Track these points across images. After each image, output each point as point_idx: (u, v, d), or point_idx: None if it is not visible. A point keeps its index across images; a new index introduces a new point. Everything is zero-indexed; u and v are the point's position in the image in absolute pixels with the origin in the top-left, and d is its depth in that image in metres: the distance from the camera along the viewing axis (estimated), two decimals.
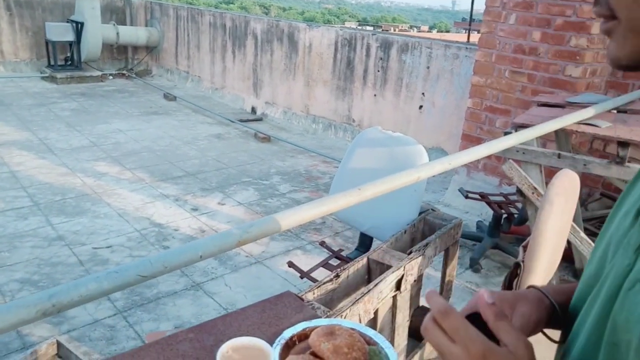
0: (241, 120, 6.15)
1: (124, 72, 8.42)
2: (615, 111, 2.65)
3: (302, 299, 1.20)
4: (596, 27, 3.19)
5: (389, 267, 1.67)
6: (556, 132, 2.74)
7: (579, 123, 2.34)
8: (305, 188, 4.23)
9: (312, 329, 0.83)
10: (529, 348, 0.50)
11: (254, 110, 6.82)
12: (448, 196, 4.07)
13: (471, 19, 5.65)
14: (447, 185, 4.25)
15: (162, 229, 3.33)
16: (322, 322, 0.86)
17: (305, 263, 2.69)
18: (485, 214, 3.61)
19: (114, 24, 8.13)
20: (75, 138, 5.05)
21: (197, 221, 3.48)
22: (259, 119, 6.48)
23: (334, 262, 2.29)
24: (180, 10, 8.06)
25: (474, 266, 3.07)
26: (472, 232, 3.43)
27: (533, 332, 0.62)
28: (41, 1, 7.79)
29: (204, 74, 7.78)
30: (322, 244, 2.55)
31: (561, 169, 2.18)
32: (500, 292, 0.64)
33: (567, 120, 2.26)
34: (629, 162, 2.22)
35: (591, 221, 3.43)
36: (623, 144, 2.17)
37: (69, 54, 7.84)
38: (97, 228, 3.27)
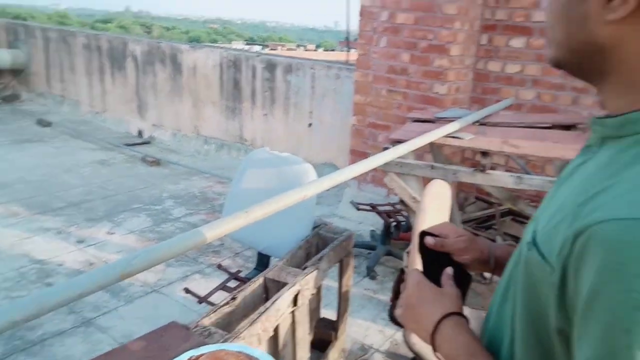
0: (127, 145, 5.88)
1: None
2: (477, 124, 3.00)
3: (188, 328, 1.20)
4: (455, 49, 3.59)
5: (285, 284, 1.73)
6: (430, 144, 3.03)
7: (447, 136, 2.61)
8: (201, 210, 4.17)
9: (198, 357, 0.85)
10: (458, 294, 0.77)
11: (140, 133, 6.55)
12: (342, 208, 4.26)
13: (348, 39, 6.11)
14: (340, 198, 4.44)
15: (44, 265, 3.08)
16: (209, 348, 0.88)
17: (204, 287, 2.66)
18: (378, 223, 3.83)
19: None
20: None
21: (84, 254, 3.27)
22: (147, 142, 6.25)
23: (233, 283, 2.30)
24: (49, 32, 7.50)
25: (370, 274, 3.25)
26: (366, 242, 3.63)
27: (477, 268, 0.90)
28: None
29: (81, 97, 7.31)
30: (220, 266, 2.55)
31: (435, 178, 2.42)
32: (474, 237, 0.90)
33: (436, 134, 2.53)
34: (491, 169, 2.53)
35: (469, 223, 3.80)
36: (484, 153, 2.47)
37: None
38: None
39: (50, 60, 7.57)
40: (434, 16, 3.51)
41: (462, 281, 0.81)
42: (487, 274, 0.96)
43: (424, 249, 0.84)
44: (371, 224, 3.98)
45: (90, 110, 7.20)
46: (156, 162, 5.34)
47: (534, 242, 0.60)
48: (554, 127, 2.82)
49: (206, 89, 5.90)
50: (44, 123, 6.53)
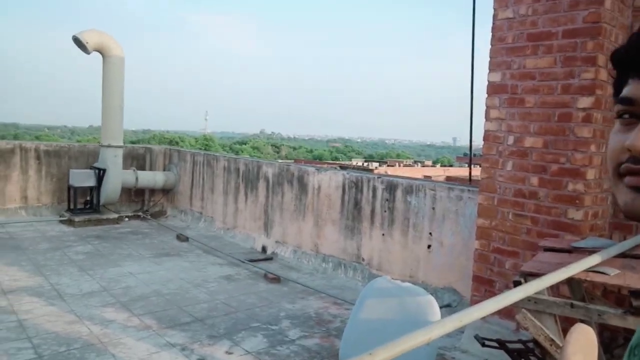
0: (251, 260, 6.18)
1: (140, 213, 8.71)
2: (622, 256, 2.66)
3: None
4: (591, 173, 3.35)
5: None
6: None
7: (587, 271, 2.34)
8: (316, 333, 4.10)
9: None
10: None
11: (264, 249, 6.89)
12: (464, 342, 3.91)
13: (471, 156, 6.06)
14: (462, 329, 4.10)
15: None
16: None
17: None
18: None
19: (134, 170, 8.62)
20: (86, 282, 5.07)
21: None
22: (269, 258, 6.52)
23: None
24: (197, 156, 8.59)
25: None
26: None
27: None
28: (68, 150, 8.39)
29: (216, 215, 8.02)
30: None
31: (576, 319, 2.14)
32: None
33: (575, 268, 2.28)
34: None
35: None
36: (636, 293, 2.15)
37: (88, 198, 8.20)
38: None
39: (194, 180, 8.57)
40: (565, 139, 3.37)
41: None
42: None
43: None
44: None
45: (223, 226, 7.82)
46: (276, 279, 5.50)
47: None
48: None
49: (328, 208, 6.13)
50: (182, 238, 7.20)
